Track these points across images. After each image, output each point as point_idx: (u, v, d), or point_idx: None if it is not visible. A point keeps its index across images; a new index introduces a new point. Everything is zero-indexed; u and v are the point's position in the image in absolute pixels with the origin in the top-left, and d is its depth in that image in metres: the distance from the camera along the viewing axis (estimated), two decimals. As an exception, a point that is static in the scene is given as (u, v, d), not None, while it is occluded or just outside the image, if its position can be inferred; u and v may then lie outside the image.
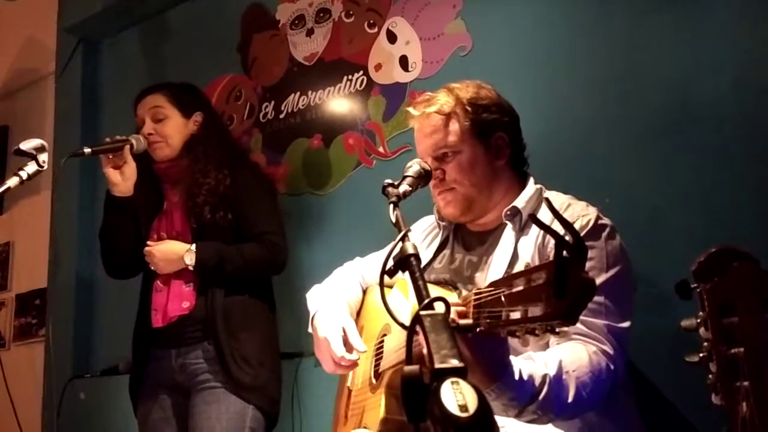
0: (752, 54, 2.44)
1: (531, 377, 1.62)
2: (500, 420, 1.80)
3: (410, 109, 2.18)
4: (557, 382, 1.65)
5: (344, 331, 2.13)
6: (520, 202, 2.05)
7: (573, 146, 2.71)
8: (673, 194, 2.50)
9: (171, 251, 2.81)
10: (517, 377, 1.58)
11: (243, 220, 2.84)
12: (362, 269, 2.45)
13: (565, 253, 1.23)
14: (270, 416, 2.80)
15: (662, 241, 2.47)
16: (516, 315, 1.32)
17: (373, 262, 2.44)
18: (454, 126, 2.08)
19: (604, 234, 1.93)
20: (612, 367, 1.78)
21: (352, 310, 2.35)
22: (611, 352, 1.79)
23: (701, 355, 1.24)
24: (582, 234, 1.84)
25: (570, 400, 1.67)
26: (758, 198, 2.35)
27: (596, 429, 1.85)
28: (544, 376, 1.64)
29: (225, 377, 2.70)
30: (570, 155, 2.69)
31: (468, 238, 2.18)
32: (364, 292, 2.44)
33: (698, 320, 1.25)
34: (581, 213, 1.97)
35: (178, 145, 2.91)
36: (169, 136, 2.90)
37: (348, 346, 2.11)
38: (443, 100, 2.11)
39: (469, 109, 2.09)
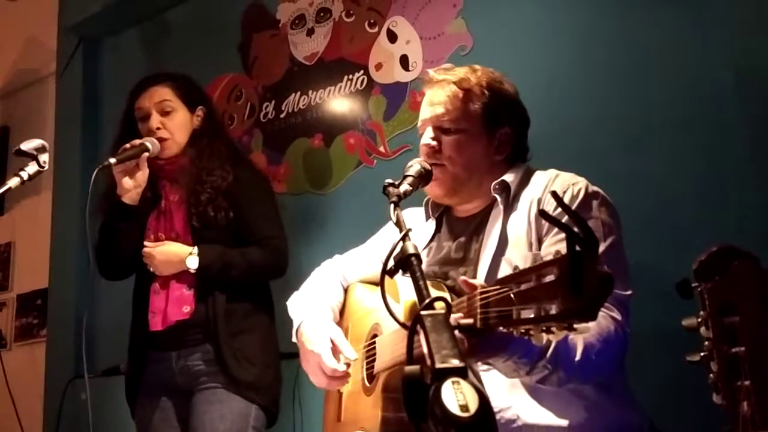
0: (754, 51, 2.44)
1: None
2: (506, 401, 1.82)
3: (431, 71, 2.11)
4: (564, 341, 1.63)
5: (333, 342, 2.10)
6: (509, 176, 2.00)
7: (573, 145, 2.70)
8: (674, 193, 2.50)
9: (172, 253, 2.76)
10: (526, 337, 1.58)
11: (245, 223, 2.80)
12: (343, 268, 2.40)
13: (576, 247, 1.21)
14: (272, 415, 2.78)
15: (662, 240, 2.47)
16: (529, 313, 1.30)
17: (354, 258, 2.39)
18: (467, 104, 2.03)
19: (597, 202, 1.90)
20: (621, 330, 1.76)
21: (336, 314, 2.32)
22: (619, 317, 1.77)
23: (702, 354, 1.24)
24: (575, 204, 1.85)
25: (578, 358, 1.65)
26: (759, 196, 2.35)
27: (596, 408, 1.84)
28: None
29: (226, 378, 2.68)
30: (570, 154, 2.68)
31: (454, 225, 2.13)
32: (346, 290, 2.39)
33: (699, 319, 1.25)
34: (571, 181, 1.94)
35: (183, 141, 2.85)
36: (176, 131, 2.83)
37: (338, 356, 2.09)
38: (464, 76, 2.05)
39: (486, 93, 2.04)
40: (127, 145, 2.74)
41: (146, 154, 2.74)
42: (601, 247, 1.80)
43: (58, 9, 4.61)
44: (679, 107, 2.54)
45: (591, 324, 1.71)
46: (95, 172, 2.67)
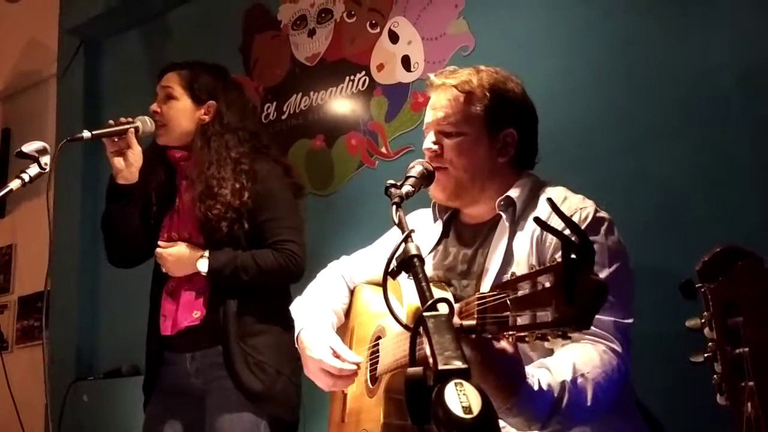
0: (758, 51, 2.43)
1: (549, 386, 1.57)
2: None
3: (431, 75, 2.10)
4: (575, 387, 1.61)
5: (332, 349, 2.09)
6: (514, 192, 1.98)
7: (576, 145, 2.70)
8: (677, 193, 2.50)
9: (184, 255, 2.69)
10: (536, 388, 1.54)
11: (261, 225, 2.69)
12: (349, 269, 2.38)
13: (572, 255, 1.20)
14: (288, 424, 2.71)
15: (666, 241, 2.46)
16: (524, 320, 1.29)
17: (360, 260, 2.38)
18: (468, 107, 2.01)
19: (604, 228, 1.88)
20: (622, 365, 1.74)
21: (339, 318, 2.30)
22: (620, 350, 1.75)
23: (706, 355, 1.24)
24: (582, 228, 1.82)
25: (589, 403, 1.62)
26: (762, 196, 2.35)
27: (598, 421, 1.83)
28: (563, 383, 1.59)
29: (235, 386, 2.61)
30: (573, 154, 2.68)
31: (462, 232, 2.12)
32: (352, 292, 2.38)
33: (703, 320, 1.25)
34: (579, 206, 1.91)
35: (179, 131, 2.76)
36: (171, 119, 2.76)
37: (340, 360, 2.09)
38: (466, 78, 2.03)
39: (488, 95, 2.01)
40: (111, 122, 2.70)
41: (132, 131, 2.68)
42: (605, 273, 1.80)
43: (59, 11, 4.61)
44: (682, 107, 2.53)
45: (589, 347, 1.72)
46: (61, 144, 2.60)
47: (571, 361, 1.65)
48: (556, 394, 1.57)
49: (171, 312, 2.72)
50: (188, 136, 2.77)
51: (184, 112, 2.78)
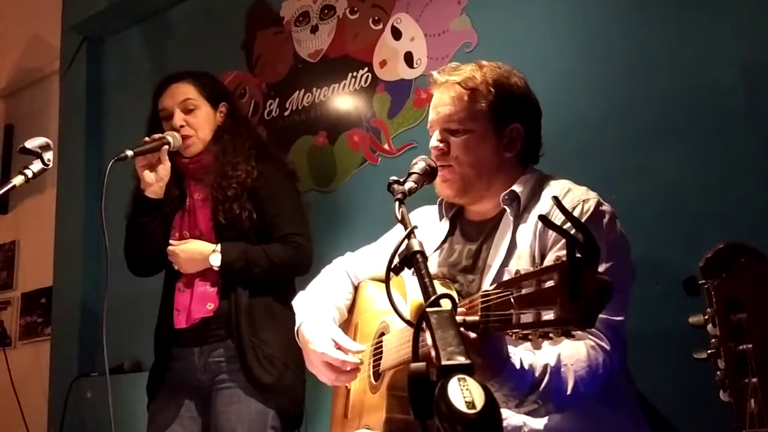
0: (761, 47, 2.43)
1: (532, 366, 1.61)
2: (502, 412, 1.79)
3: (435, 73, 2.10)
4: (557, 373, 1.65)
5: (335, 342, 2.11)
6: (518, 186, 1.99)
7: (579, 141, 2.70)
8: (681, 190, 2.49)
9: (196, 251, 2.77)
10: (518, 366, 1.57)
11: (269, 220, 2.79)
12: (354, 265, 2.41)
13: (577, 253, 1.20)
14: (293, 417, 2.77)
15: (669, 237, 2.46)
16: (528, 318, 1.30)
17: (365, 256, 2.40)
18: (473, 104, 2.01)
19: (605, 221, 1.88)
20: (608, 361, 1.75)
21: (342, 313, 2.32)
22: (608, 347, 1.76)
23: (709, 351, 1.24)
24: (582, 220, 1.81)
25: (568, 392, 1.66)
26: (766, 193, 2.34)
27: (598, 418, 1.83)
28: (545, 366, 1.63)
29: (245, 378, 2.67)
30: (576, 150, 2.67)
31: (467, 228, 2.13)
32: (356, 288, 2.40)
33: (706, 317, 1.25)
34: (582, 198, 1.91)
35: (207, 138, 2.86)
36: (200, 128, 2.85)
37: (344, 351, 2.10)
38: (469, 74, 2.03)
39: (492, 90, 2.02)
40: (147, 138, 2.76)
41: (166, 148, 2.76)
42: (602, 268, 1.78)
43: (61, 7, 4.61)
44: (686, 104, 2.53)
45: (578, 342, 1.73)
46: (110, 164, 2.66)
47: (557, 352, 1.68)
48: (537, 374, 1.62)
49: (185, 305, 2.78)
50: (209, 139, 2.88)
51: (207, 119, 2.89)
